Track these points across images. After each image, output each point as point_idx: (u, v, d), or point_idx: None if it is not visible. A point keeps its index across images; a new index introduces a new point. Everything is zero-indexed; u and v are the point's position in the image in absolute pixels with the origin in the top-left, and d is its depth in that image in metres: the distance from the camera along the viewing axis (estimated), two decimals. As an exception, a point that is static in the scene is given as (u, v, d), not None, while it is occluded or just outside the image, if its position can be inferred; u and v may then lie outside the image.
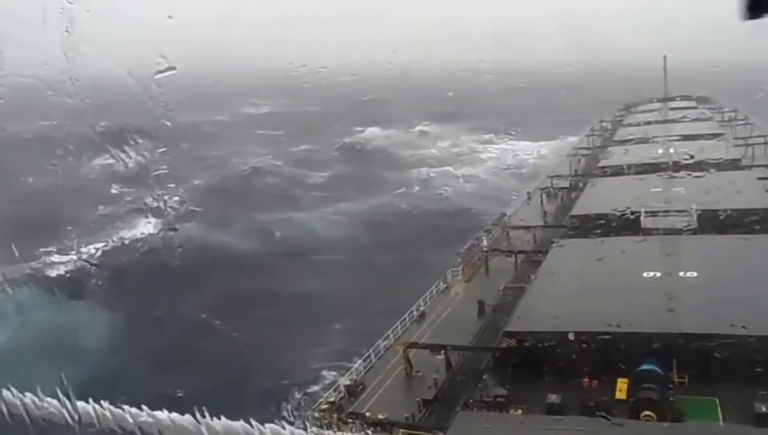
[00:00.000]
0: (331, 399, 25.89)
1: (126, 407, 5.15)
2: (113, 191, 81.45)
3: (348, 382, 27.14)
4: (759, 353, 21.68)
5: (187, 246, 59.59)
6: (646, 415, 20.12)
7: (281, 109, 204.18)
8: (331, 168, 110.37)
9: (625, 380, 22.17)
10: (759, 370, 21.38)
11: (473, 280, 38.64)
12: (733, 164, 51.62)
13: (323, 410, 24.91)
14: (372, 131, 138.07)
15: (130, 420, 4.98)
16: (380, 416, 23.48)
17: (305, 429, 20.27)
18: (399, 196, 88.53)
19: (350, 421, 23.96)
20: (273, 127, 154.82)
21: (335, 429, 23.52)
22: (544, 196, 56.32)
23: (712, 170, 49.45)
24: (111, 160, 75.98)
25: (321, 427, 24.00)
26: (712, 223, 35.64)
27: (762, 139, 66.33)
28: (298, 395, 38.56)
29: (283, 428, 4.68)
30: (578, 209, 43.90)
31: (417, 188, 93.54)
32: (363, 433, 23.03)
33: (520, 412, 22.00)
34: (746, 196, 40.62)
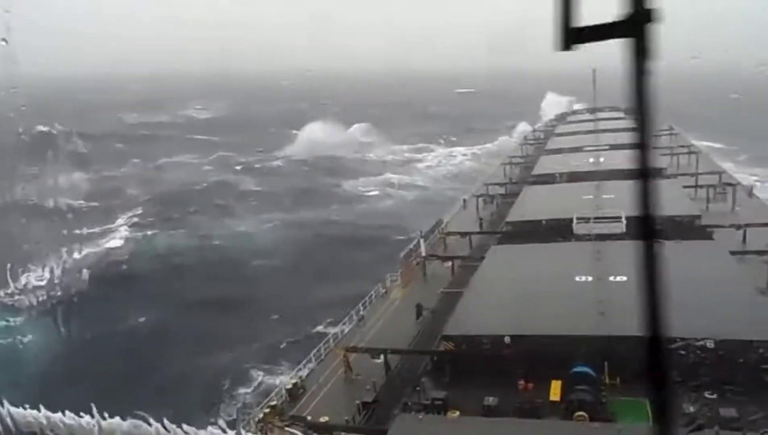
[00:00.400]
0: (273, 403, 26.13)
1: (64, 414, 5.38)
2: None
3: (289, 386, 27.46)
4: (687, 355, 23.22)
5: (126, 255, 58.32)
6: (578, 416, 21.20)
7: (222, 113, 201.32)
8: (268, 175, 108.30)
9: (559, 382, 23.22)
10: (687, 371, 22.98)
11: (411, 285, 39.51)
12: (659, 173, 54.72)
13: (265, 414, 25.13)
14: (308, 135, 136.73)
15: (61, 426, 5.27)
16: (321, 419, 23.93)
17: (247, 432, 20.59)
18: (333, 208, 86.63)
19: (292, 424, 24.30)
20: (211, 131, 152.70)
21: (277, 433, 23.85)
22: (479, 202, 58.00)
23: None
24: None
25: (262, 431, 24.30)
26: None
27: (686, 150, 70.62)
28: (238, 399, 38.66)
29: (225, 432, 5.10)
30: (513, 216, 45.36)
31: (350, 200, 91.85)
32: None
33: (457, 413, 22.83)
34: (672, 203, 43.18)
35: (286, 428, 24.12)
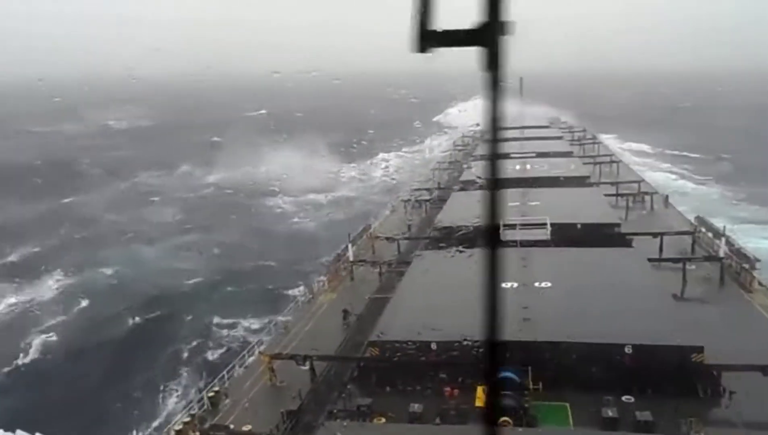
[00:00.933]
0: (193, 412, 25.13)
1: None
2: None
3: (211, 394, 26.46)
4: (605, 360, 24.00)
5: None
6: (503, 421, 21.34)
7: (143, 122, 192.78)
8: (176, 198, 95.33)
9: (484, 387, 23.37)
10: (606, 376, 23.68)
11: (338, 290, 39.06)
12: (582, 181, 56.71)
13: (184, 423, 24.08)
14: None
15: None
16: (244, 428, 23.15)
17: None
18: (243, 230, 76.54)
19: (213, 433, 23.41)
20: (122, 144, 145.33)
21: None
22: (407, 207, 58.24)
23: (564, 186, 54.18)
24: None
25: None
26: (564, 235, 38.73)
27: (608, 159, 73.69)
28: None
29: None
30: (440, 221, 45.56)
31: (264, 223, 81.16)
32: None
33: (383, 420, 22.65)
34: (594, 211, 44.73)
35: None
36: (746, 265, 35.21)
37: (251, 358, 29.77)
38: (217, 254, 66.06)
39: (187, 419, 24.36)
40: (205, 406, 25.92)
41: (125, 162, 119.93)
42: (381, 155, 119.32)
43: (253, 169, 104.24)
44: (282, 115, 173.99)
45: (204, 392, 26.94)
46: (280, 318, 34.13)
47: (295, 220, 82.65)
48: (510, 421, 21.29)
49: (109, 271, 60.99)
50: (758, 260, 35.38)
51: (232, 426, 23.47)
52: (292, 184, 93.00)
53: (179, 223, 79.77)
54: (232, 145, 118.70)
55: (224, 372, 28.50)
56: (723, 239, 37.57)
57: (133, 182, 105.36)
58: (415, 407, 22.99)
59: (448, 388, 24.46)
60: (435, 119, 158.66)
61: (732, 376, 23.60)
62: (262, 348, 30.30)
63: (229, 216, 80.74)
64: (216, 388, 26.98)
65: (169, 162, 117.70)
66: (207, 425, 24.02)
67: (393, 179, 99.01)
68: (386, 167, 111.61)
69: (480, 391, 23.37)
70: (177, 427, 23.82)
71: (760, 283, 34.12)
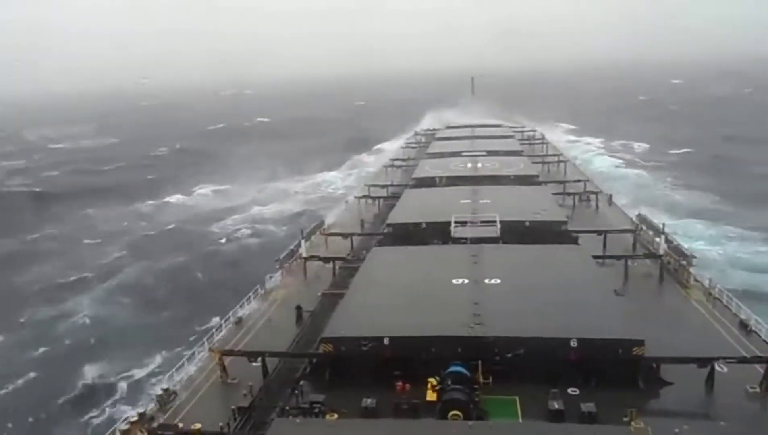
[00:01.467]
0: (141, 411, 24.64)
1: None
2: None
3: (159, 392, 26.00)
4: (552, 354, 24.70)
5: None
6: (453, 415, 21.76)
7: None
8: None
9: (435, 382, 23.83)
10: (553, 369, 24.37)
11: (291, 286, 38.93)
12: (531, 180, 57.98)
13: (131, 423, 23.60)
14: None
15: None
16: (194, 426, 22.83)
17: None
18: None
19: (161, 433, 23.02)
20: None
21: None
22: (361, 204, 58.38)
23: (514, 184, 55.33)
24: None
25: None
26: (513, 233, 39.57)
27: (556, 158, 75.62)
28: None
29: None
30: (394, 218, 45.89)
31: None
32: None
33: (335, 416, 22.72)
34: (542, 208, 45.82)
35: None
36: (684, 262, 36.79)
37: (202, 355, 29.35)
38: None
39: (135, 419, 23.89)
40: (154, 405, 25.47)
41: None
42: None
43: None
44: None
45: (152, 391, 26.46)
46: (232, 314, 33.65)
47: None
48: (460, 414, 21.66)
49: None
50: (695, 257, 37.01)
51: (181, 425, 23.10)
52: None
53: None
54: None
55: (173, 370, 28.04)
56: (662, 237, 39.11)
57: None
58: (368, 402, 23.15)
59: (400, 383, 24.71)
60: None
61: (670, 368, 24.69)
62: (213, 345, 29.93)
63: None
64: (165, 386, 26.52)
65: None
66: (155, 424, 23.61)
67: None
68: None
69: (431, 386, 23.75)
70: (123, 427, 23.35)
71: (696, 279, 35.73)
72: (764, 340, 27.89)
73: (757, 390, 23.80)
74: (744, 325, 29.35)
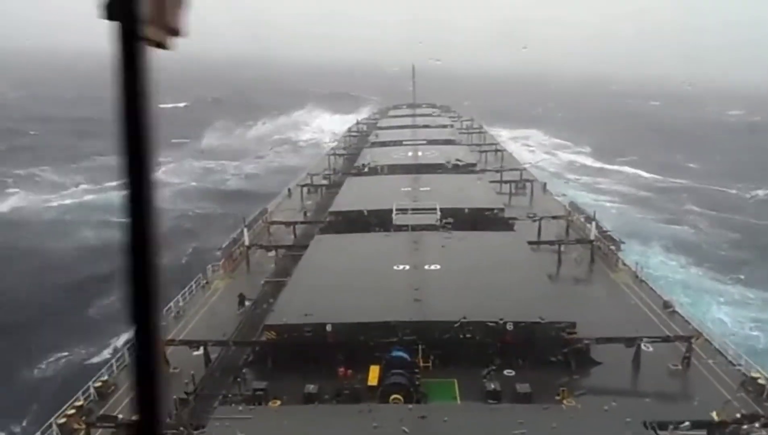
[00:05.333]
0: (78, 403, 24.13)
1: None
2: None
3: (98, 384, 25.52)
4: (489, 337, 25.67)
5: None
6: (394, 399, 22.33)
7: None
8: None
9: (377, 367, 24.31)
10: (490, 352, 25.31)
11: (234, 274, 38.68)
12: (470, 168, 59.24)
13: (68, 416, 23.13)
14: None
15: None
16: (134, 417, 22.52)
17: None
18: None
19: (101, 425, 22.66)
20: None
21: (84, 434, 22.09)
22: (304, 192, 58.27)
23: (453, 173, 56.42)
24: None
25: (68, 433, 22.37)
26: (452, 220, 40.53)
27: (493, 147, 77.46)
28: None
29: None
30: (336, 206, 46.22)
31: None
32: None
33: (278, 403, 22.96)
34: (480, 196, 47.08)
35: (94, 429, 22.46)
36: (612, 247, 38.68)
37: None
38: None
39: (71, 411, 23.41)
40: (92, 397, 24.99)
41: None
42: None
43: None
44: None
45: (90, 383, 25.87)
46: (173, 304, 33.17)
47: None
48: (401, 398, 22.27)
49: None
50: (623, 242, 38.96)
51: (120, 416, 22.78)
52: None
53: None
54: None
55: (112, 361, 27.52)
56: (593, 224, 40.90)
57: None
58: (310, 388, 23.47)
59: (342, 369, 25.12)
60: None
61: (600, 348, 26.06)
62: None
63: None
64: (104, 378, 26.04)
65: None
66: (94, 417, 23.20)
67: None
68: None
69: (373, 370, 24.26)
70: (60, 421, 22.86)
71: (623, 263, 37.67)
72: (686, 320, 29.77)
73: (679, 367, 25.49)
74: (667, 306, 31.22)
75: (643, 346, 25.93)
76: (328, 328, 26.01)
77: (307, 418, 21.31)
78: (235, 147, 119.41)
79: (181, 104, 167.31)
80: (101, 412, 23.73)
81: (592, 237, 40.21)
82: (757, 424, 20.83)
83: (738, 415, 21.29)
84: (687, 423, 20.43)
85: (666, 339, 26.82)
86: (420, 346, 25.20)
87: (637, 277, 35.58)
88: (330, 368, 25.07)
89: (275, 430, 20.45)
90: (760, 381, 23.83)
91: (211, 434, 20.09)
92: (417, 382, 23.55)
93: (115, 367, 27.02)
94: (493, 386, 23.44)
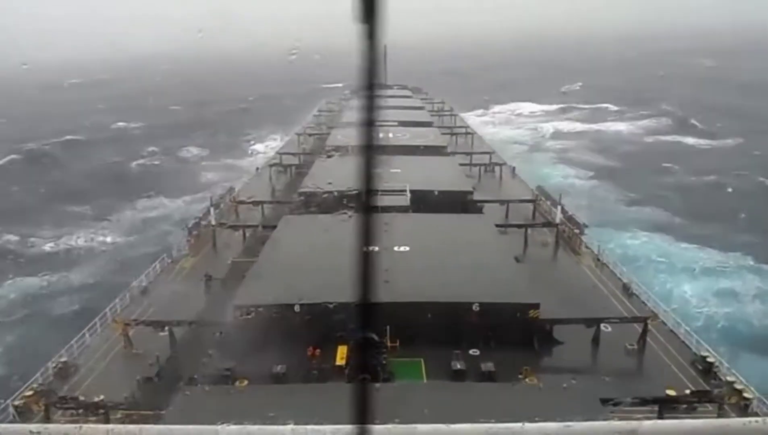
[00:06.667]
0: (37, 385, 23.70)
1: None
2: None
3: (58, 365, 25.10)
4: (455, 318, 25.97)
5: None
6: (361, 378, 22.42)
7: None
8: None
9: (345, 347, 24.46)
10: (456, 332, 25.61)
11: (201, 254, 38.25)
12: (440, 150, 59.30)
13: (26, 397, 22.73)
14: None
15: None
16: (96, 398, 22.29)
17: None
18: None
19: (61, 406, 22.32)
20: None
21: (44, 416, 21.73)
22: (273, 172, 57.73)
23: (424, 155, 56.45)
24: None
25: (26, 415, 21.99)
26: (422, 202, 40.59)
27: (463, 130, 77.48)
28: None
29: None
30: (305, 186, 45.87)
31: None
32: (76, 418, 21.67)
33: (245, 383, 22.91)
34: (450, 179, 47.26)
35: (54, 410, 22.11)
36: (576, 231, 39.33)
37: (104, 326, 28.47)
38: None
39: (29, 393, 22.98)
40: (51, 378, 24.57)
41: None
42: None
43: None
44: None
45: (49, 363, 25.39)
46: (137, 284, 32.70)
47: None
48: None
49: None
50: (587, 226, 39.63)
51: (82, 397, 22.48)
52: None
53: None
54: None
55: (73, 341, 27.04)
56: (559, 207, 41.47)
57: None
58: (278, 369, 23.49)
59: (310, 349, 25.20)
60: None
61: (562, 328, 26.62)
62: (115, 315, 29.07)
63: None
64: (64, 359, 25.61)
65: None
66: (54, 398, 22.82)
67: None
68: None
69: (341, 350, 24.37)
70: (16, 402, 22.44)
71: (586, 246, 38.38)
72: (643, 302, 30.56)
73: (635, 347, 26.25)
74: (626, 288, 31.99)
75: (602, 327, 26.62)
76: (296, 308, 25.99)
77: (275, 398, 21.28)
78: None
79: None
80: (62, 393, 23.37)
81: (557, 220, 40.78)
82: (705, 400, 21.77)
83: (687, 392, 22.24)
84: (641, 399, 21.11)
85: (624, 320, 27.57)
86: (388, 327, 25.36)
87: (599, 260, 36.31)
88: (298, 348, 25.09)
89: (242, 410, 20.37)
90: (709, 359, 24.74)
91: (175, 415, 19.95)
92: (384, 362, 23.74)
93: (75, 348, 26.57)
94: (458, 365, 23.81)
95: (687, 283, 45.42)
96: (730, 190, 70.62)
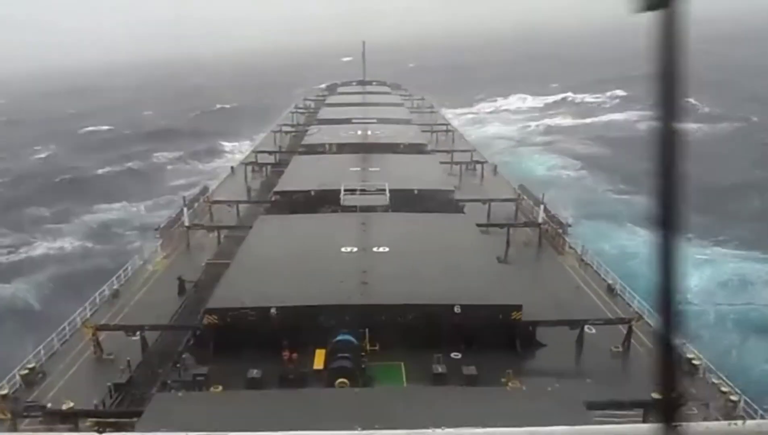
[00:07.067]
0: (3, 392, 22.65)
1: None
2: None
3: (24, 371, 24.02)
4: (436, 320, 25.39)
5: None
6: (340, 383, 21.87)
7: None
8: None
9: (323, 351, 23.79)
10: (437, 334, 25.03)
11: (173, 256, 37.22)
12: (420, 148, 58.71)
13: None
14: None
15: None
16: (64, 406, 21.33)
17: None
18: None
19: (27, 414, 21.31)
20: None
21: (10, 425, 20.74)
22: (248, 170, 56.69)
23: (403, 153, 55.85)
24: None
25: None
26: (402, 201, 39.95)
27: (444, 127, 76.88)
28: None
29: None
30: (282, 185, 44.96)
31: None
32: (44, 426, 20.74)
33: (220, 388, 22.15)
34: (431, 177, 46.69)
35: (20, 418, 21.14)
36: (560, 230, 39.06)
37: (73, 331, 27.39)
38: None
39: None
40: (18, 385, 23.52)
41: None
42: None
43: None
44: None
45: (16, 370, 24.29)
46: (107, 287, 31.58)
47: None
48: (347, 381, 21.83)
49: None
50: (570, 226, 39.39)
51: (49, 404, 21.50)
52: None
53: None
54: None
55: (40, 347, 25.94)
56: (542, 207, 41.20)
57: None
58: (254, 373, 22.77)
59: (287, 353, 24.44)
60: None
61: (545, 330, 26.22)
62: (85, 320, 28.01)
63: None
64: (31, 365, 24.51)
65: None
66: (21, 406, 21.81)
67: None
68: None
69: (319, 354, 23.72)
70: None
71: (570, 246, 38.11)
72: (627, 303, 30.33)
73: (620, 349, 25.92)
74: (611, 289, 31.75)
75: (586, 329, 26.24)
76: (273, 311, 25.24)
77: (250, 404, 20.58)
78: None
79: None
80: (28, 400, 22.35)
81: (540, 220, 40.48)
82: (690, 403, 21.46)
83: (674, 395, 21.74)
84: (625, 402, 20.77)
85: (608, 321, 27.24)
86: (367, 330, 24.77)
87: (582, 260, 36.08)
88: (274, 352, 24.33)
89: (216, 416, 19.63)
90: (694, 361, 24.50)
91: (147, 422, 19.13)
92: (363, 366, 23.20)
93: (42, 354, 25.49)
94: (440, 369, 23.28)
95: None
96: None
